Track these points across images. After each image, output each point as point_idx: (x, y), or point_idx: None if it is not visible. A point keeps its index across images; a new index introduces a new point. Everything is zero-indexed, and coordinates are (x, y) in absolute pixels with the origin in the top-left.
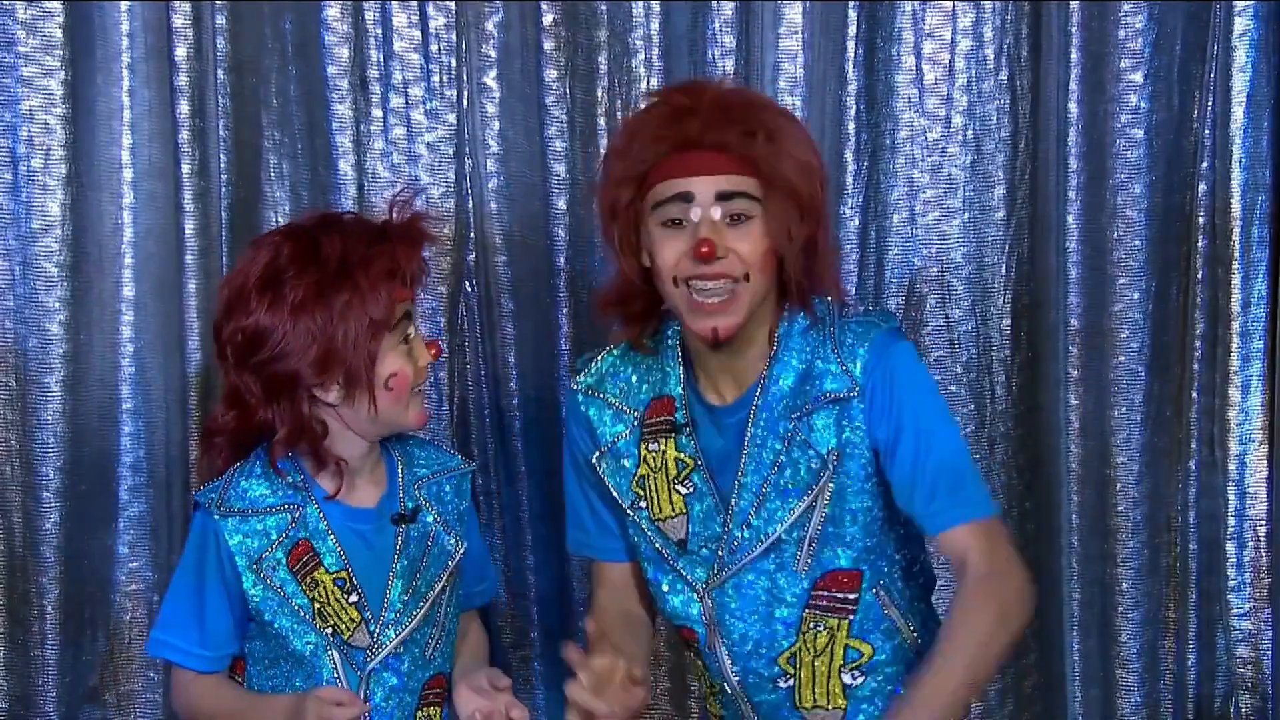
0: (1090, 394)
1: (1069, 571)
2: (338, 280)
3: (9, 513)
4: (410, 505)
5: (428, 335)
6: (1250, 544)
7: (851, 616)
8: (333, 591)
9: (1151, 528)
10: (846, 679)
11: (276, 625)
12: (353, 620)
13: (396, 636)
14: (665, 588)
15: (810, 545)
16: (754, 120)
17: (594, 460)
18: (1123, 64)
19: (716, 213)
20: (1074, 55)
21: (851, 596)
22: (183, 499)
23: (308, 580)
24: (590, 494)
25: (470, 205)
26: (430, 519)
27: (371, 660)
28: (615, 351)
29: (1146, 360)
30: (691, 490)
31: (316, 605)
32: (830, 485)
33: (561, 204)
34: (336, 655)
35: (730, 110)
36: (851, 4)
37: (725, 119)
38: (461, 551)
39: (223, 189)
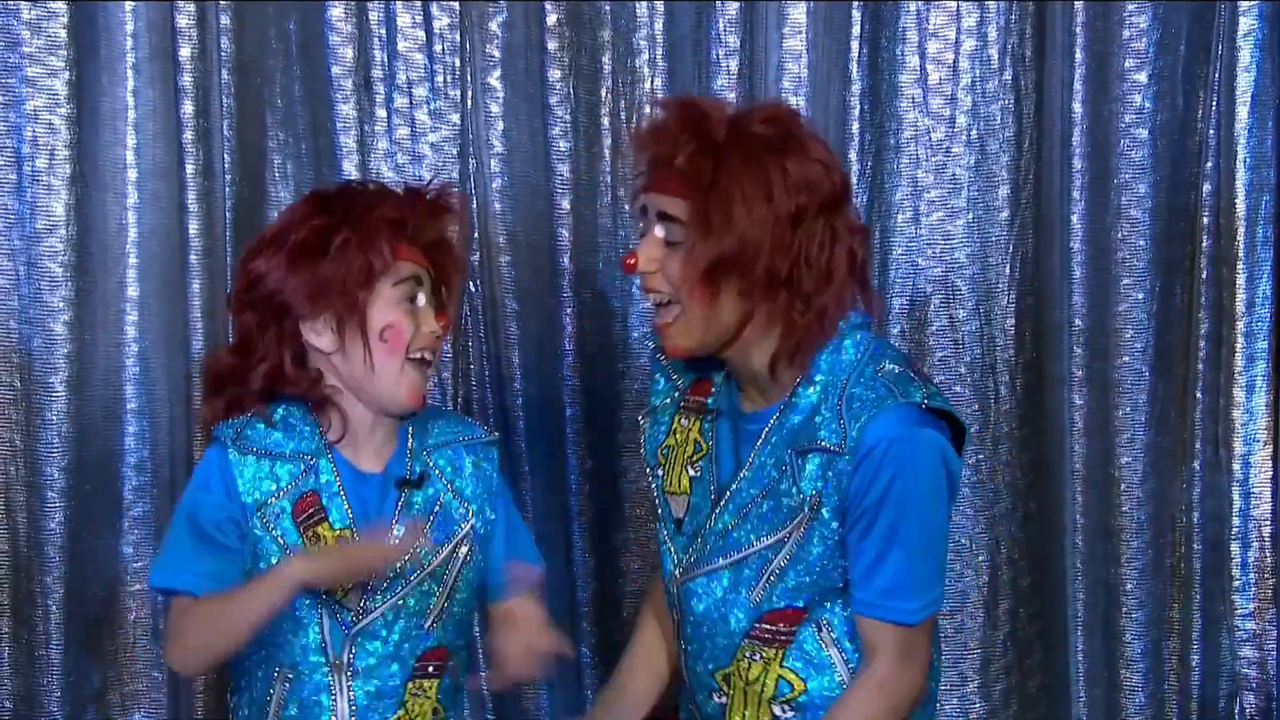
0: (1094, 394)
1: (1073, 572)
2: (340, 224)
3: (14, 512)
4: (417, 470)
5: None
6: (1254, 544)
7: (788, 647)
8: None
9: (1156, 528)
10: (777, 711)
11: (258, 570)
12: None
13: (385, 602)
14: (664, 557)
15: (770, 578)
16: (713, 142)
17: (639, 418)
18: (1127, 64)
19: (660, 231)
20: (1078, 55)
21: (792, 629)
22: None
23: (309, 534)
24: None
25: (474, 205)
26: (440, 486)
27: (358, 623)
28: None
29: (1151, 360)
30: (698, 475)
31: None
32: (803, 527)
33: (565, 204)
34: (324, 613)
35: (693, 127)
36: (855, 4)
37: (679, 136)
38: (472, 523)
39: (227, 189)
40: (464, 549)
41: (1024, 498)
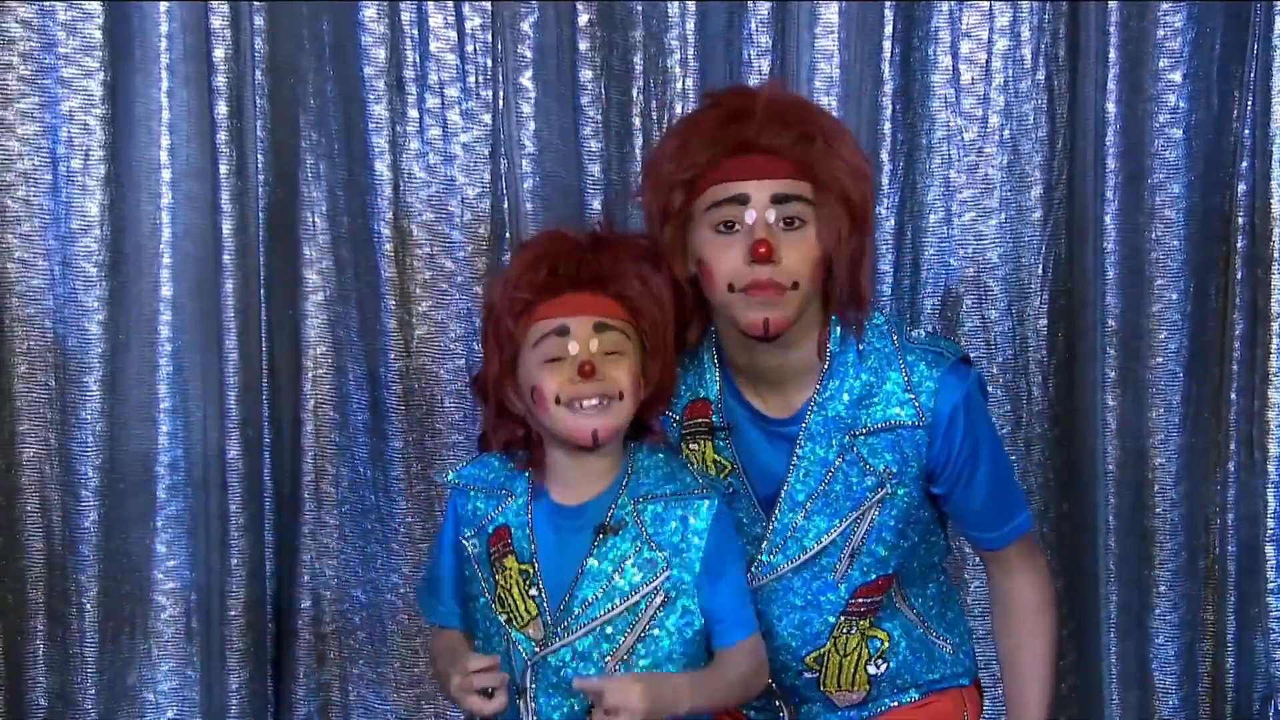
0: (1128, 395)
1: (1106, 573)
2: (487, 319)
3: (48, 511)
4: (618, 516)
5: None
6: None
7: (879, 612)
8: (516, 580)
9: (1189, 530)
10: (871, 669)
11: (474, 598)
12: (529, 613)
13: (566, 639)
14: None
15: (852, 557)
16: (809, 124)
17: None
18: (1161, 63)
19: (771, 215)
20: (1112, 55)
21: (882, 597)
22: (220, 498)
23: (498, 564)
24: None
25: (506, 206)
26: (636, 535)
27: (537, 658)
28: None
29: (1185, 361)
30: (730, 492)
31: (500, 590)
32: (880, 503)
33: (597, 204)
34: (509, 642)
35: (785, 114)
36: (888, 4)
37: (781, 122)
38: (668, 574)
39: (260, 189)
40: (657, 599)
41: (1057, 499)
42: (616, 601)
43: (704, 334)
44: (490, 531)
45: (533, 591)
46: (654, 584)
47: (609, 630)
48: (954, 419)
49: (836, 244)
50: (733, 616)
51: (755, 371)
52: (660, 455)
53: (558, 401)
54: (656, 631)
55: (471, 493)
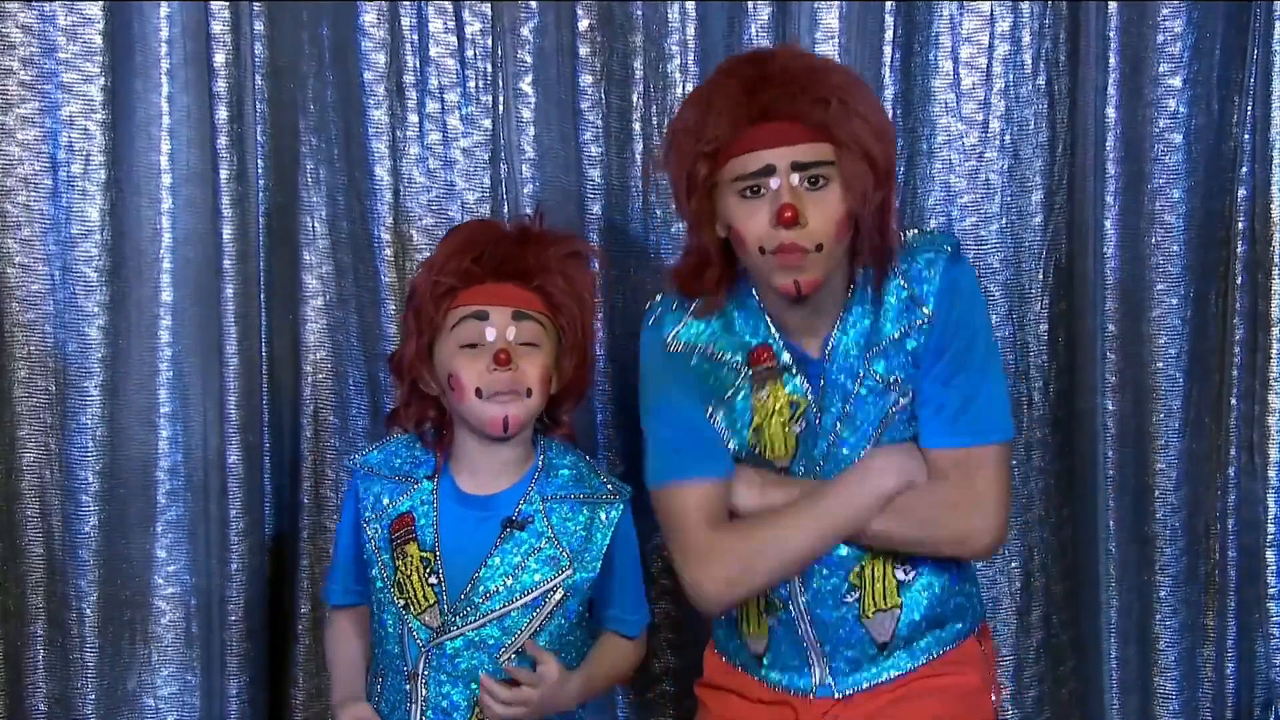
0: (1128, 400)
1: (1107, 579)
2: (408, 308)
3: (48, 516)
4: (526, 511)
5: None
6: None
7: None
8: (417, 567)
9: (1190, 535)
10: (900, 575)
11: (375, 582)
12: (427, 600)
13: (463, 627)
14: None
15: None
16: (824, 86)
17: (706, 414)
18: (1161, 68)
19: (795, 179)
20: (1112, 59)
21: None
22: (220, 502)
23: (399, 551)
24: (696, 414)
25: (506, 211)
26: (543, 531)
27: (432, 644)
28: (702, 318)
29: (1185, 366)
30: (804, 428)
31: (399, 576)
32: (894, 407)
33: (597, 209)
34: (404, 627)
35: (799, 78)
36: (888, 8)
37: (796, 88)
38: (569, 574)
39: (260, 194)
40: (556, 595)
41: (1057, 504)
42: (518, 595)
43: (733, 288)
44: (393, 517)
45: (432, 579)
46: (555, 581)
47: (507, 622)
48: (942, 307)
49: (861, 201)
50: (630, 613)
51: (795, 319)
52: (571, 456)
53: (478, 394)
54: (552, 626)
55: (374, 478)
